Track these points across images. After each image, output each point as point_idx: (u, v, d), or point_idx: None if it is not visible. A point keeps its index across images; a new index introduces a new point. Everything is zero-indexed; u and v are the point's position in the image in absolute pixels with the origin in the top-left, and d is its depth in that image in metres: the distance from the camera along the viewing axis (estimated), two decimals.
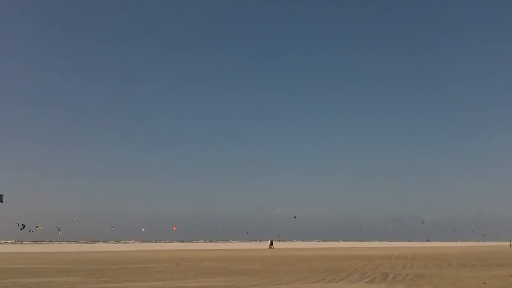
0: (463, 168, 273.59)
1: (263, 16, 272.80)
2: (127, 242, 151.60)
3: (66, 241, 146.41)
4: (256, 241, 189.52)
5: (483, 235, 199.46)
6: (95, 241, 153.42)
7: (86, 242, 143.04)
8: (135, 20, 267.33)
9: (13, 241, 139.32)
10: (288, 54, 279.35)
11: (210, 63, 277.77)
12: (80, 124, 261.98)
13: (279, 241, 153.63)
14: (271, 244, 73.20)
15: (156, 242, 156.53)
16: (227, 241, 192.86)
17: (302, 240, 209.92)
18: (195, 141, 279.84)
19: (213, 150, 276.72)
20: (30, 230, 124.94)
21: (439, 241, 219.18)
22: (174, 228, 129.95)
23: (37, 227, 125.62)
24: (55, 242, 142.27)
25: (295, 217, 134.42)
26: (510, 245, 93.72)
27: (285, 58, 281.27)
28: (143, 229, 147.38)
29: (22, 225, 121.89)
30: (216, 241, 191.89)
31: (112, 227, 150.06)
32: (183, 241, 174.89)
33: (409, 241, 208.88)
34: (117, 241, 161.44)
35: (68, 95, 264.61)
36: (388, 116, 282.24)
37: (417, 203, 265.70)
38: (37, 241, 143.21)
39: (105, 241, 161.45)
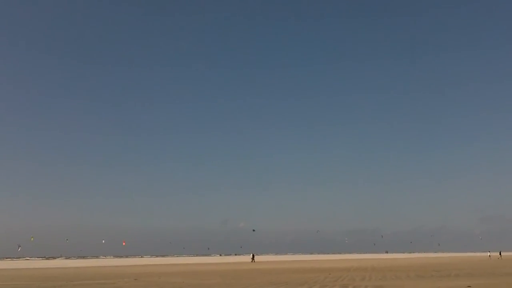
0: (425, 179, 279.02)
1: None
2: (86, 258, 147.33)
3: (23, 258, 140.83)
4: (217, 255, 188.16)
5: (439, 244, 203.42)
6: (53, 257, 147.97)
7: (44, 258, 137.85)
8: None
9: None
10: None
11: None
12: (37, 140, 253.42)
13: (236, 254, 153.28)
14: (253, 257, 76.12)
15: (113, 257, 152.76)
16: (189, 255, 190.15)
17: (268, 254, 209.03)
18: (160, 157, 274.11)
19: (180, 165, 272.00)
20: None
21: (398, 252, 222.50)
22: (124, 244, 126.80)
23: None
24: (13, 259, 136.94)
25: (253, 230, 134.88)
26: (490, 255, 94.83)
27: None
28: (103, 241, 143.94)
29: None
30: (178, 255, 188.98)
31: (67, 239, 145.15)
32: (141, 256, 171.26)
33: (367, 253, 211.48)
34: (79, 256, 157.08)
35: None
36: (348, 129, 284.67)
37: (378, 215, 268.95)
38: None
39: (63, 256, 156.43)
